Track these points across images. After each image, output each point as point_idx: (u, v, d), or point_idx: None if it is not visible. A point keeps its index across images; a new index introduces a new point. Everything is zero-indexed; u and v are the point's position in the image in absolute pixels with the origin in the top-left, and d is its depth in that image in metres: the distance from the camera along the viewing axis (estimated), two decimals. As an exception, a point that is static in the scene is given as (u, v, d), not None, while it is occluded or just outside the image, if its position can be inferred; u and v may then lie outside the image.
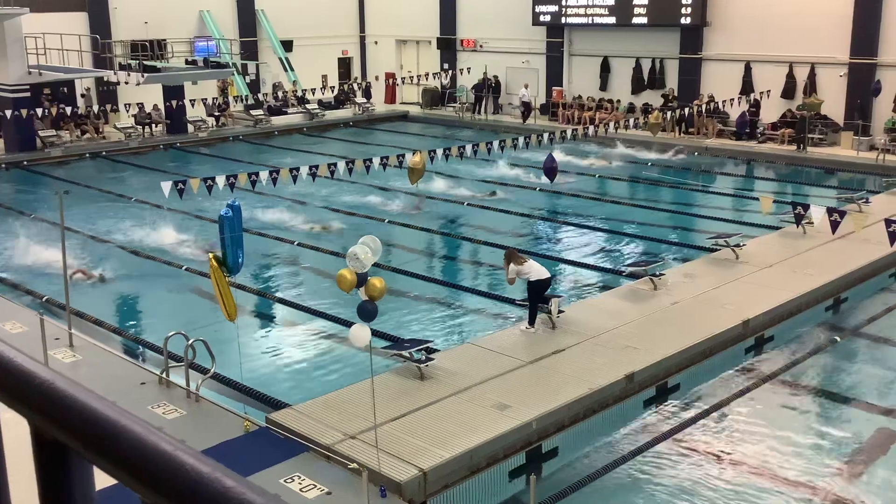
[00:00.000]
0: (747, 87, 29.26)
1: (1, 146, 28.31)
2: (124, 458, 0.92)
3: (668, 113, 27.52)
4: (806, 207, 14.81)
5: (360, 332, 9.15)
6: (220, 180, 15.77)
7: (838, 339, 13.75)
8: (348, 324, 10.65)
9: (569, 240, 18.56)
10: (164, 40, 32.66)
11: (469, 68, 36.03)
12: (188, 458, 0.89)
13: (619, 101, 32.74)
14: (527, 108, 33.46)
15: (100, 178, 25.93)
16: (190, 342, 10.72)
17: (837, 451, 10.30)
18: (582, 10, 32.78)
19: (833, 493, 9.31)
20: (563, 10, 33.20)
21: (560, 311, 12.90)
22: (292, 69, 36.33)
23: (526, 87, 33.95)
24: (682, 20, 30.44)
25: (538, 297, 12.53)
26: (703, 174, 25.66)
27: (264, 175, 16.27)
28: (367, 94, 37.01)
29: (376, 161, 18.03)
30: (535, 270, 12.46)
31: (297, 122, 34.29)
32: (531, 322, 12.52)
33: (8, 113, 27.10)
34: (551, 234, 18.87)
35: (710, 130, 29.31)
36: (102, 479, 1.03)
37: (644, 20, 31.24)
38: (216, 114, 32.85)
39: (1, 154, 27.70)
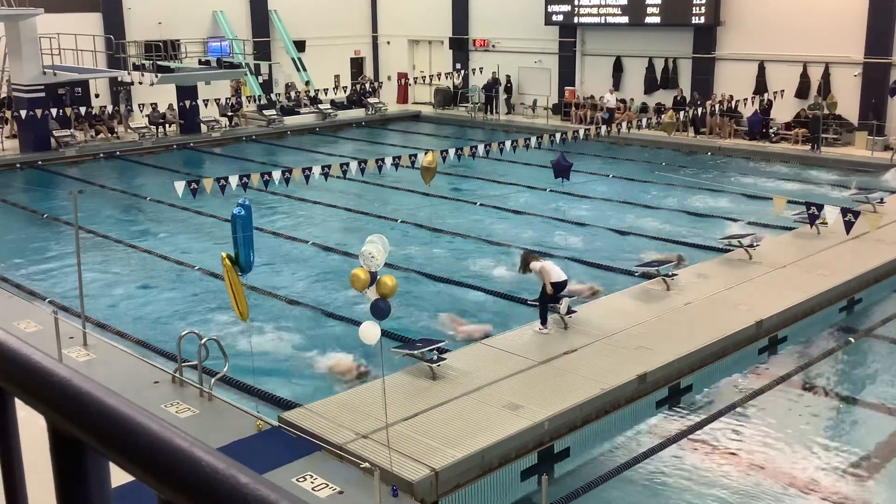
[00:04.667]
0: (761, 86, 29.13)
1: (16, 146, 28.49)
2: (140, 454, 0.93)
3: (682, 113, 27.45)
4: (820, 207, 14.74)
5: (370, 330, 9.17)
6: (233, 180, 15.81)
7: (852, 339, 13.68)
8: (360, 323, 10.65)
9: (580, 239, 18.51)
10: (178, 41, 32.77)
11: (481, 68, 36.01)
12: (203, 454, 0.90)
13: (632, 100, 32.65)
14: (610, 116, 30.82)
15: (114, 177, 26.07)
16: (203, 341, 10.77)
17: (851, 454, 10.24)
18: (595, 10, 32.70)
19: (846, 496, 9.26)
20: (576, 9, 33.13)
21: (572, 311, 12.89)
22: (305, 69, 36.40)
23: (611, 91, 32.20)
24: (696, 20, 30.34)
25: (552, 298, 12.51)
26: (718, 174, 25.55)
27: (277, 175, 16.32)
28: (368, 92, 36.83)
29: (388, 161, 18.05)
30: (555, 273, 12.45)
31: (309, 123, 34.34)
32: (543, 322, 12.50)
33: (23, 113, 27.26)
34: (563, 233, 18.82)
35: (724, 130, 29.20)
36: (119, 477, 1.04)
37: (657, 20, 31.16)
38: (229, 114, 32.95)
39: (16, 154, 27.87)
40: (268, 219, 20.08)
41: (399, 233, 18.85)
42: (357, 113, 35.89)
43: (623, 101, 32.58)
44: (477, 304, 14.96)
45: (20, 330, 12.57)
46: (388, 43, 40.50)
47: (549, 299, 12.51)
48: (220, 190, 15.76)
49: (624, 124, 24.33)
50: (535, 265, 12.52)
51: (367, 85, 37.41)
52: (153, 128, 30.72)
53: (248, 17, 36.38)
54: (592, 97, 33.22)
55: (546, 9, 33.87)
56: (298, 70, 36.51)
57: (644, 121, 24.67)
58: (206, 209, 20.34)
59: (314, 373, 12.12)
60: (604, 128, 23.55)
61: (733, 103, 28.27)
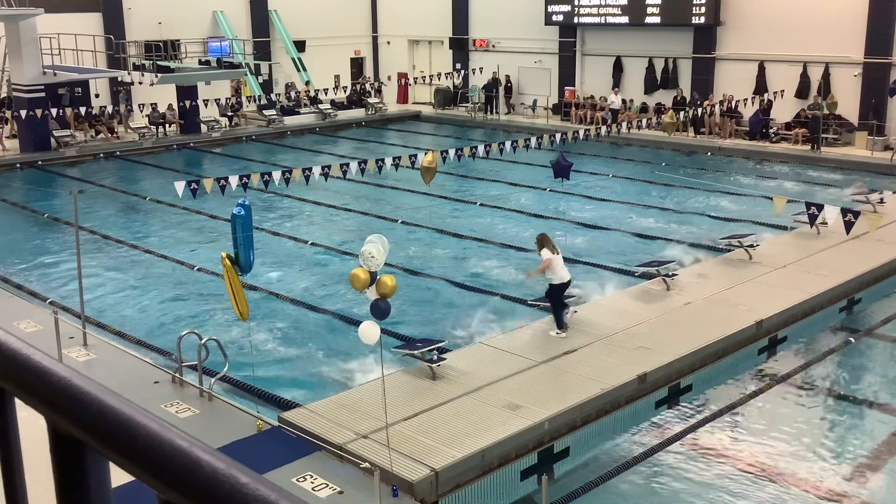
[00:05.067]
0: (761, 86, 29.13)
1: (16, 146, 28.49)
2: (140, 454, 0.93)
3: (682, 113, 27.47)
4: (820, 207, 14.72)
5: (370, 330, 9.18)
6: (234, 180, 15.81)
7: (852, 340, 13.68)
8: (360, 323, 10.66)
9: (581, 238, 18.51)
10: (178, 41, 32.76)
11: (481, 68, 36.01)
12: (203, 454, 0.90)
13: (631, 100, 32.64)
14: (614, 116, 30.54)
15: (114, 177, 26.06)
16: (203, 341, 10.77)
17: (851, 453, 10.24)
18: (595, 10, 32.70)
19: (846, 496, 9.26)
20: (576, 9, 33.14)
21: (573, 311, 12.87)
22: (305, 69, 36.40)
23: (615, 92, 32.11)
24: (696, 20, 30.34)
25: (559, 299, 12.44)
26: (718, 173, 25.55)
27: (277, 175, 16.32)
28: (369, 93, 36.81)
29: (388, 161, 18.05)
30: (559, 273, 12.36)
31: (309, 123, 34.34)
32: (560, 326, 12.38)
33: (23, 113, 27.26)
34: (563, 233, 18.82)
35: (725, 130, 29.19)
36: (119, 477, 1.04)
37: (657, 20, 31.16)
38: (229, 114, 32.95)
39: (16, 154, 27.87)
40: (268, 219, 20.08)
41: (399, 233, 18.85)
42: (357, 113, 35.89)
43: (623, 101, 32.55)
44: (478, 303, 14.95)
45: (20, 330, 12.57)
46: (388, 43, 40.50)
47: (558, 300, 12.40)
48: (220, 190, 15.76)
49: (624, 124, 24.31)
50: (544, 254, 12.31)
51: (369, 86, 37.40)
52: (153, 128, 30.71)
53: (248, 17, 36.38)
54: (592, 97, 33.20)
55: (546, 9, 33.87)
56: (298, 70, 36.51)
57: (644, 121, 24.66)
58: (206, 209, 20.34)
59: (314, 373, 12.12)
60: (604, 128, 23.55)
61: (733, 103, 28.26)
